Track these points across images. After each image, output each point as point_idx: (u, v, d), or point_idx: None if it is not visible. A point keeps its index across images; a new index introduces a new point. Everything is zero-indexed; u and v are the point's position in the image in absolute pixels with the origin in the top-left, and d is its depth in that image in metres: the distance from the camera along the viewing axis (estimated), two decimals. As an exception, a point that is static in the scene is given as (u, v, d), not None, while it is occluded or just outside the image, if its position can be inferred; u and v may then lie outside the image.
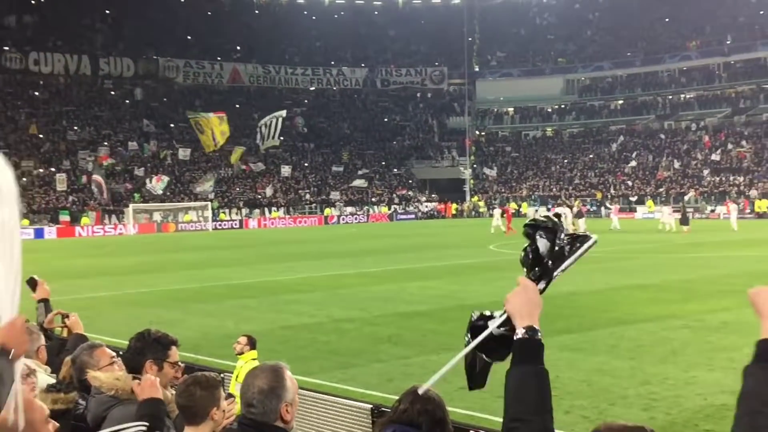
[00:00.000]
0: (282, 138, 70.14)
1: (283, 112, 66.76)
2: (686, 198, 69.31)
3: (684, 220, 49.71)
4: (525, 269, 2.69)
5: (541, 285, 2.65)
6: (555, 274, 2.65)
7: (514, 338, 2.54)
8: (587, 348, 14.74)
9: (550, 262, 2.64)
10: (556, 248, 2.64)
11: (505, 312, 2.65)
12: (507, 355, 2.65)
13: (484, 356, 2.80)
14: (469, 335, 2.80)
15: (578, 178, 79.68)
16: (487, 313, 2.80)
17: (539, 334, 2.53)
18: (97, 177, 66.04)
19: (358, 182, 78.01)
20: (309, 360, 14.19)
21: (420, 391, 3.28)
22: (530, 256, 2.68)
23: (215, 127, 61.68)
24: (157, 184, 67.17)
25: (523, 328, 2.52)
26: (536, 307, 2.56)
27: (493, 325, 2.70)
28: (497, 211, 56.53)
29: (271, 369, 3.46)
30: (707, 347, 14.51)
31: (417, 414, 3.55)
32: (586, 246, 2.66)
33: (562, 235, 2.66)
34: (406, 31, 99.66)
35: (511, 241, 43.41)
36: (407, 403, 3.59)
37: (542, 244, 2.65)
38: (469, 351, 2.78)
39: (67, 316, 6.66)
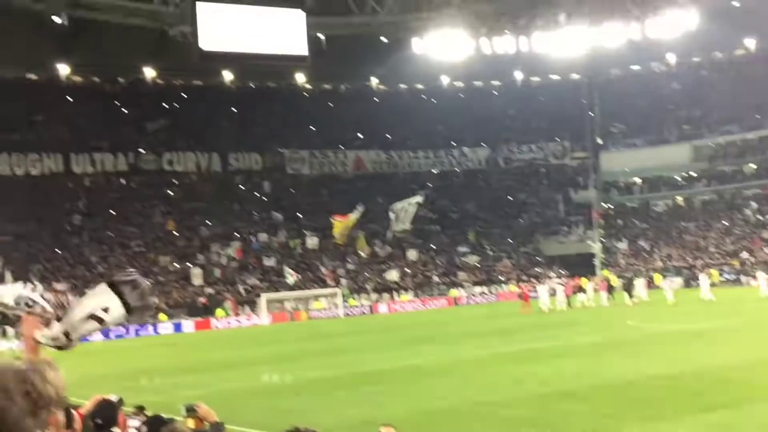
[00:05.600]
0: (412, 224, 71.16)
1: (419, 198, 67.58)
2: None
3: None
4: None
5: None
6: None
7: None
8: (742, 427, 13.99)
9: None
10: None
11: None
12: None
13: None
14: None
15: (713, 247, 77.14)
16: None
17: None
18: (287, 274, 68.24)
19: (469, 257, 77.48)
20: (449, 446, 13.97)
21: None
22: None
23: (350, 223, 63.07)
24: (291, 277, 69.18)
25: None
26: None
27: None
28: (639, 282, 56.67)
29: None
30: None
31: None
32: None
33: None
34: (526, 109, 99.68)
35: (647, 314, 42.08)
36: None
37: None
38: None
39: (195, 409, 6.53)
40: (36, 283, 10.33)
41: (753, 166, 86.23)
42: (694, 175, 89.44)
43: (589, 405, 17.13)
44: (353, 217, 62.65)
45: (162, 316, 61.06)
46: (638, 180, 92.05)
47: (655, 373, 20.74)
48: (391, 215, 65.42)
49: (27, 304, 4.19)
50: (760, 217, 78.33)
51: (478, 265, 77.51)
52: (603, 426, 14.84)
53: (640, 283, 55.96)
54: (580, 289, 56.74)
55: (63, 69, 76.19)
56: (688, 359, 23.24)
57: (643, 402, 16.73)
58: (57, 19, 51.51)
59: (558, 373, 22.26)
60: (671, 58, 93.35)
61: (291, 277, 69.13)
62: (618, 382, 19.65)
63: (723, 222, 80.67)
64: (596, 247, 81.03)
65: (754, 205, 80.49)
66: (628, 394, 17.80)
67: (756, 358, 22.36)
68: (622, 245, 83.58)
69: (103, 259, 67.96)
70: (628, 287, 55.57)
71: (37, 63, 74.47)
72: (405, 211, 66.24)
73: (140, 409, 7.05)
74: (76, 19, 53.62)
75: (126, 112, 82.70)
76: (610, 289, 56.52)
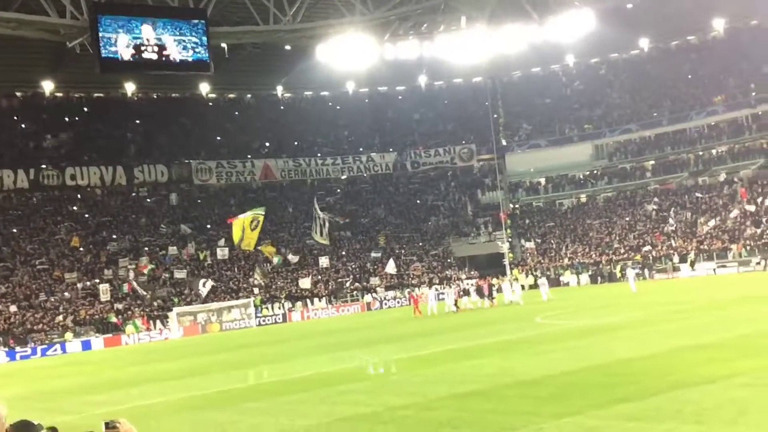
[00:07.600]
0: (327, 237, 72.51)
1: (325, 216, 69.42)
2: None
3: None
4: None
5: None
6: None
7: None
8: (651, 416, 14.38)
9: None
10: None
11: None
12: None
13: None
14: None
15: (617, 242, 79.04)
16: None
17: None
18: (133, 284, 67.37)
19: (390, 268, 77.75)
20: (369, 451, 13.98)
21: None
22: None
23: (238, 231, 62.71)
24: (203, 288, 68.68)
25: None
26: None
27: None
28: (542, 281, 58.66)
29: None
30: (774, 404, 14.13)
31: None
32: None
33: None
34: (431, 113, 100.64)
35: (556, 311, 42.94)
36: None
37: None
38: None
39: (116, 426, 6.31)
40: None
41: (651, 162, 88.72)
42: (596, 173, 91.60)
43: (505, 404, 17.38)
44: (243, 218, 61.87)
45: (67, 334, 60.03)
46: (542, 180, 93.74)
47: (566, 369, 21.16)
48: (316, 222, 66.77)
49: None
50: (660, 213, 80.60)
51: (394, 273, 77.76)
52: (520, 423, 15.07)
53: (543, 282, 57.85)
54: (466, 293, 58.07)
55: (-44, 84, 73.82)
56: (596, 353, 23.81)
57: (556, 398, 17.04)
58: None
59: (473, 374, 22.52)
60: (570, 59, 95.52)
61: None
62: (531, 379, 19.99)
63: (625, 218, 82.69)
64: (505, 247, 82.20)
65: (654, 200, 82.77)
66: (541, 391, 18.10)
67: (667, 348, 23.04)
68: (530, 244, 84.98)
69: (6, 279, 65.93)
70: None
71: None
72: (319, 220, 67.45)
73: (53, 430, 6.82)
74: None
75: (24, 126, 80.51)
76: (491, 289, 57.97)
